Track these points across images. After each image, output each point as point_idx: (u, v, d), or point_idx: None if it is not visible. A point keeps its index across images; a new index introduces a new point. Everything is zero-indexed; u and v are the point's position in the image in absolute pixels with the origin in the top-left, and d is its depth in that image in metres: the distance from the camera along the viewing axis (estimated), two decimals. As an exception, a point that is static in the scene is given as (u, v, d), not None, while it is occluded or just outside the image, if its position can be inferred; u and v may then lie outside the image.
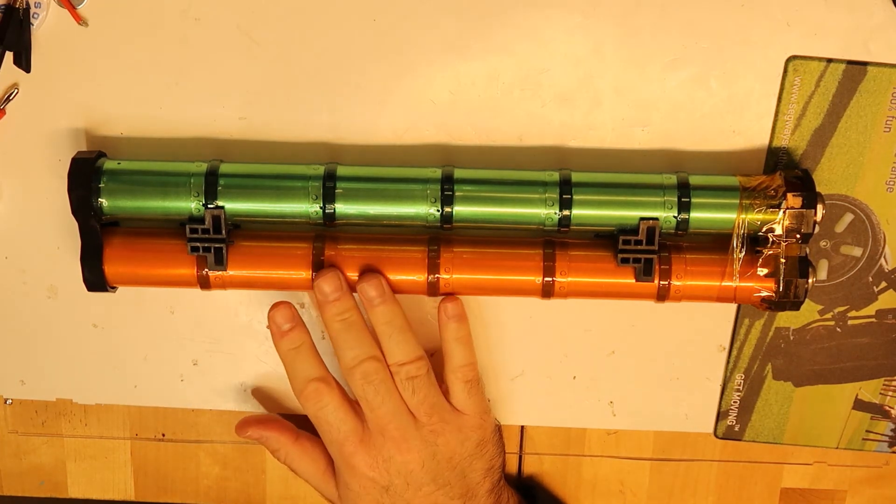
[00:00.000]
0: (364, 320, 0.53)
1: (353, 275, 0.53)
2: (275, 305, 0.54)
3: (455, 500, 0.55)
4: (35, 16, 0.53)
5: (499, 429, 0.58)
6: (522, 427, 0.61)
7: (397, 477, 0.54)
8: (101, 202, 0.52)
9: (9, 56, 0.53)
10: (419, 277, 0.53)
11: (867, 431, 0.60)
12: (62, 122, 0.55)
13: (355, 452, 0.54)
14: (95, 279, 0.53)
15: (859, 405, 0.59)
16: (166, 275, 0.53)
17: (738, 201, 0.52)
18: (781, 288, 0.52)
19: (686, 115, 0.54)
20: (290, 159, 0.54)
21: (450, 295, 0.54)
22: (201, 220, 0.52)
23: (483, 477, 0.56)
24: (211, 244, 0.52)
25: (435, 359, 0.56)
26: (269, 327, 0.54)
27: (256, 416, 0.59)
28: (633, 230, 0.52)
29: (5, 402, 0.62)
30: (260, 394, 0.60)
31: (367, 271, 0.53)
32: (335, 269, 0.53)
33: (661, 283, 0.53)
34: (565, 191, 0.52)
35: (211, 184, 0.52)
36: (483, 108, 0.55)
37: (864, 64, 0.53)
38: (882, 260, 0.57)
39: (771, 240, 0.52)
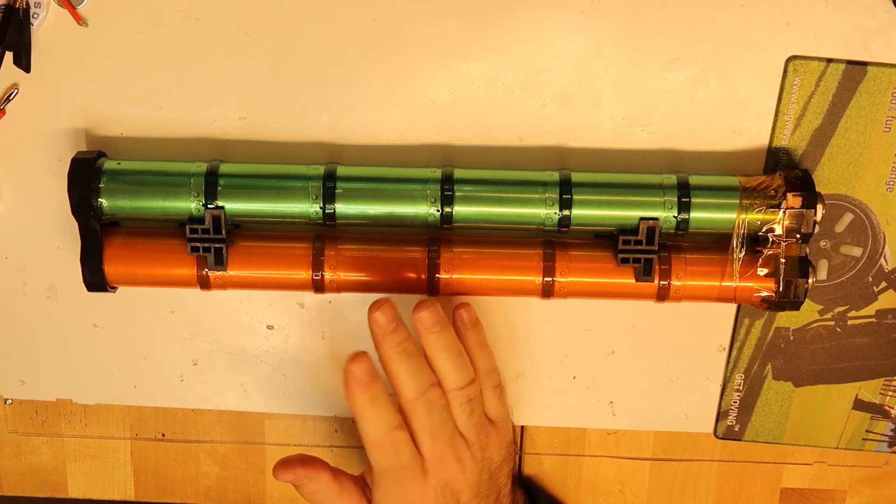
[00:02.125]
0: (417, 348, 0.52)
1: (353, 275, 0.53)
2: (354, 357, 0.51)
3: None
4: (35, 16, 0.53)
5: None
6: (522, 427, 0.61)
7: (450, 498, 0.53)
8: (101, 202, 0.52)
9: (9, 56, 0.53)
10: (419, 277, 0.53)
11: (867, 431, 0.60)
12: (62, 122, 0.55)
13: (414, 481, 0.52)
14: (95, 279, 0.53)
15: (859, 405, 0.59)
16: (166, 275, 0.53)
17: (738, 201, 0.52)
18: (781, 288, 0.52)
19: (686, 115, 0.54)
20: (290, 159, 0.54)
21: (462, 303, 0.54)
22: (201, 220, 0.52)
23: (507, 478, 0.56)
24: (211, 244, 0.52)
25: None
26: (343, 378, 0.51)
27: (298, 457, 0.54)
28: (633, 230, 0.52)
29: (5, 402, 0.62)
30: (260, 394, 0.60)
31: (422, 300, 0.51)
32: (388, 300, 0.51)
33: (661, 283, 0.53)
34: (565, 191, 0.52)
35: (211, 184, 0.52)
36: (483, 108, 0.54)
37: (864, 64, 0.53)
38: (882, 260, 0.57)
39: (771, 240, 0.52)
